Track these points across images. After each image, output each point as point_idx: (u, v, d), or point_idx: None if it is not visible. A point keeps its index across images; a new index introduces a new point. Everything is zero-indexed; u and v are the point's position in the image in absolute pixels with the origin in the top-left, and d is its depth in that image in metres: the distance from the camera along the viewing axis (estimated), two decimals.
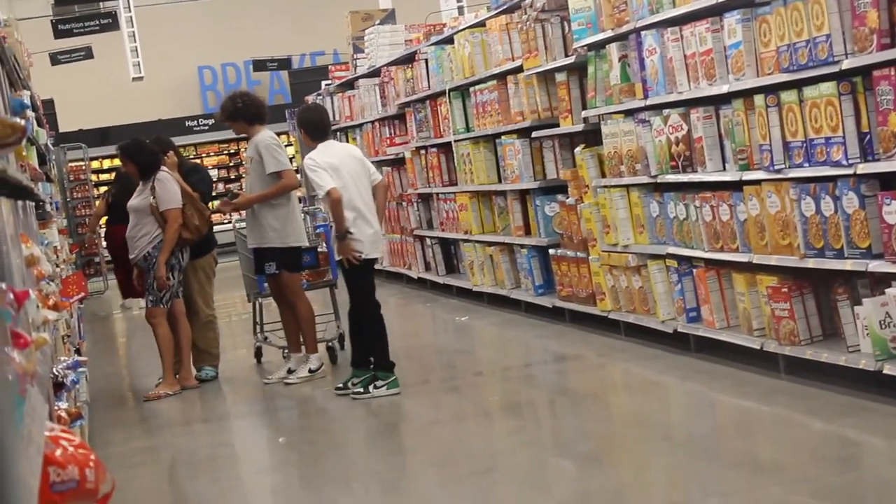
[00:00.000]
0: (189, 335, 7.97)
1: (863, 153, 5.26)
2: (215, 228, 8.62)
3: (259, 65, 21.60)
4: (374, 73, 12.88)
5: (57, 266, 5.94)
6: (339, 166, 6.88)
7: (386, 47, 12.74)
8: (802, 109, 5.53)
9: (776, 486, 4.41)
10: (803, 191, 5.59)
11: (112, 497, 2.10)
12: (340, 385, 7.06)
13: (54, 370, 3.55)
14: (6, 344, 1.70)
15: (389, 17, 14.85)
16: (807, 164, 5.57)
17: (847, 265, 5.38)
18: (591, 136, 7.94)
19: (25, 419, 1.71)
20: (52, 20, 18.26)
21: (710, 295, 6.64)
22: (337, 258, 7.09)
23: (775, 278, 6.00)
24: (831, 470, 4.66)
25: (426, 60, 10.91)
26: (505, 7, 9.08)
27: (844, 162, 5.29)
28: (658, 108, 6.90)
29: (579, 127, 7.99)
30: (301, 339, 7.80)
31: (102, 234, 15.07)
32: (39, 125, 8.65)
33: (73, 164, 18.67)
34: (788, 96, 5.63)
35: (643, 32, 6.89)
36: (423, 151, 11.44)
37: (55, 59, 19.00)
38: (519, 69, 8.78)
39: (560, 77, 8.18)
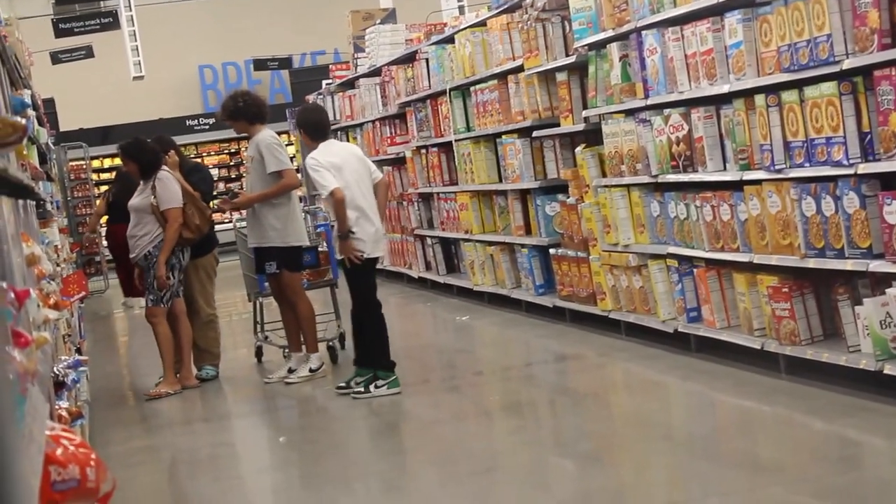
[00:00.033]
0: (190, 334, 7.97)
1: (863, 153, 5.26)
2: (216, 227, 8.62)
3: (260, 64, 21.60)
4: (375, 72, 12.88)
5: (58, 265, 5.94)
6: (341, 166, 6.88)
7: (387, 47, 12.74)
8: (803, 109, 5.53)
9: (777, 486, 4.41)
10: (804, 191, 5.59)
11: (113, 496, 2.10)
12: (343, 384, 7.06)
13: (55, 369, 3.55)
14: (7, 343, 1.70)
15: (390, 16, 14.85)
16: (807, 164, 5.57)
17: (848, 265, 5.38)
18: (592, 135, 7.94)
19: (26, 418, 1.71)
20: (52, 19, 18.26)
21: (710, 295, 6.64)
22: (338, 257, 7.09)
23: (776, 278, 6.00)
24: (832, 470, 4.66)
25: (427, 60, 10.92)
26: (506, 6, 9.08)
27: (845, 162, 5.28)
28: (659, 107, 6.90)
29: (580, 126, 7.99)
30: (302, 339, 7.80)
31: (103, 234, 15.07)
32: (40, 124, 8.65)
33: (73, 163, 18.67)
34: (789, 96, 5.63)
35: (644, 32, 6.89)
36: (423, 151, 11.44)
37: (56, 58, 19.00)
38: (520, 69, 8.78)
39: (561, 77, 8.18)
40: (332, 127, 13.76)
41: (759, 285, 6.18)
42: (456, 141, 10.39)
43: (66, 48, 18.99)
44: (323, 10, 22.19)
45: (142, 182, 7.91)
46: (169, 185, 7.78)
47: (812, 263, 5.64)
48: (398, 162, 12.48)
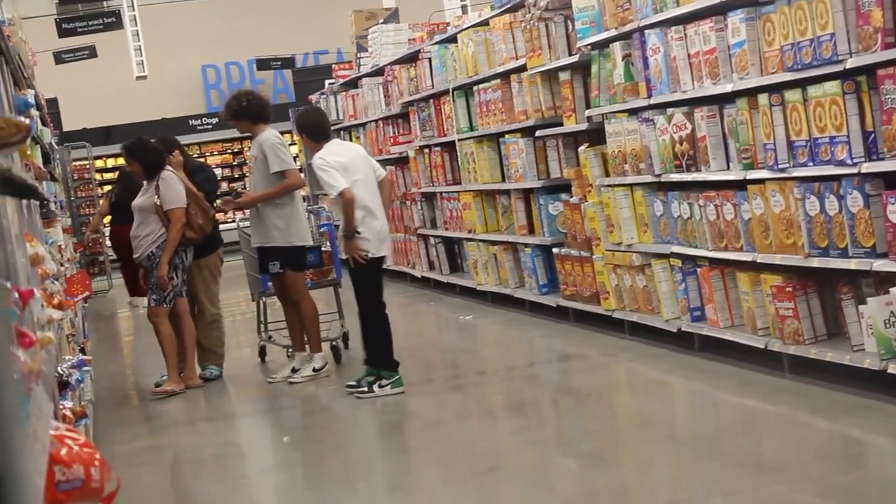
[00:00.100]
0: (193, 334, 7.97)
1: (867, 152, 5.25)
2: (221, 227, 8.62)
3: (263, 64, 21.60)
4: (378, 71, 12.88)
5: (61, 265, 5.94)
6: (348, 165, 6.89)
7: (389, 46, 12.74)
8: (806, 108, 5.53)
9: (780, 486, 4.41)
10: (807, 190, 5.59)
11: (117, 496, 2.10)
12: (353, 383, 7.01)
13: (59, 369, 3.56)
14: (11, 343, 1.70)
15: (393, 15, 14.84)
16: (811, 164, 5.56)
17: (851, 264, 5.38)
18: (595, 135, 7.94)
19: (31, 418, 1.71)
20: (56, 19, 18.26)
21: (714, 294, 6.63)
22: (343, 257, 7.09)
23: (779, 277, 6.00)
24: (836, 469, 4.66)
25: (430, 59, 10.91)
26: (508, 6, 9.08)
27: (849, 161, 5.28)
28: (662, 107, 6.89)
29: (583, 126, 7.99)
30: (305, 339, 7.80)
31: (107, 234, 15.08)
32: (44, 124, 8.65)
33: (77, 162, 18.68)
34: (792, 95, 5.62)
35: (647, 31, 6.88)
36: (426, 150, 11.44)
37: (59, 58, 19.01)
38: (522, 68, 8.78)
39: (564, 76, 8.18)
40: (336, 127, 13.79)
41: (762, 285, 6.18)
42: (459, 140, 10.39)
43: (70, 48, 19.00)
44: (326, 9, 22.19)
45: (145, 182, 7.92)
46: (172, 185, 7.78)
47: (816, 263, 5.64)
48: (401, 161, 12.48)
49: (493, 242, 9.91)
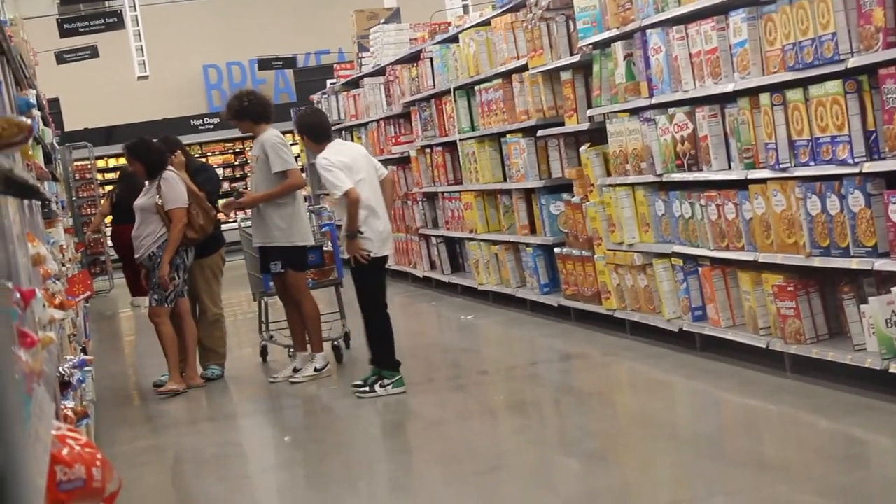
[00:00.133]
0: (194, 334, 7.97)
1: (869, 152, 5.25)
2: (223, 227, 8.62)
3: (264, 64, 21.60)
4: (379, 71, 12.88)
5: (63, 265, 5.94)
6: (352, 165, 6.89)
7: (391, 46, 12.74)
8: (808, 108, 5.53)
9: (782, 485, 4.41)
10: (809, 189, 5.59)
11: (118, 496, 2.10)
12: (359, 382, 6.98)
13: (60, 369, 3.56)
14: (13, 343, 1.70)
15: (394, 15, 14.84)
16: (812, 163, 5.56)
17: (853, 264, 5.38)
18: (597, 134, 7.94)
19: (32, 418, 1.72)
20: (57, 19, 18.27)
21: (715, 294, 6.63)
22: (345, 257, 7.08)
23: (781, 277, 6.00)
24: (837, 469, 4.66)
25: (431, 59, 10.92)
26: (510, 6, 9.08)
27: (850, 160, 5.28)
28: (663, 106, 6.89)
29: (584, 125, 7.99)
30: (306, 338, 7.80)
31: (109, 234, 15.09)
32: (45, 124, 8.65)
33: (78, 162, 18.69)
34: (794, 95, 5.62)
35: (648, 31, 6.88)
36: (428, 150, 11.44)
37: (61, 58, 19.01)
38: (524, 68, 8.78)
39: (565, 76, 8.18)
40: (337, 127, 13.80)
41: (764, 284, 6.18)
42: (460, 140, 10.39)
43: (71, 48, 19.00)
44: (327, 9, 22.19)
45: (147, 182, 7.92)
46: (174, 185, 7.78)
47: (817, 262, 5.63)
48: (402, 161, 12.48)
49: (495, 242, 9.92)
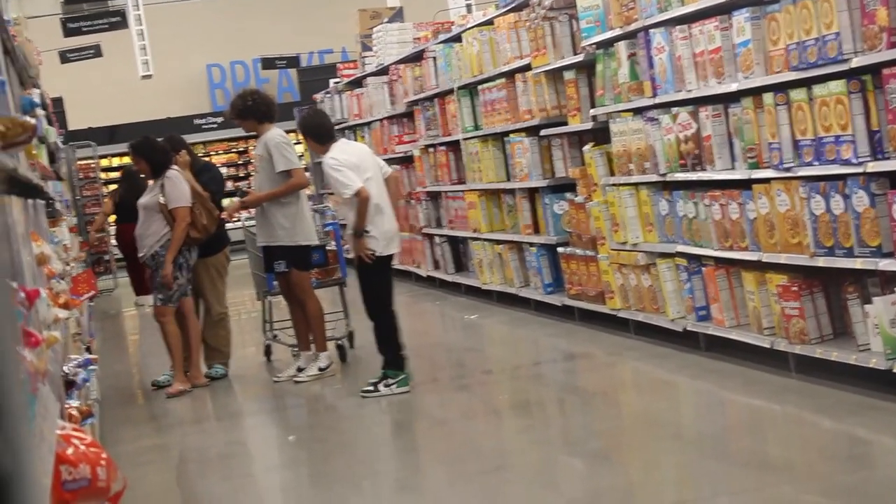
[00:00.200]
0: (198, 333, 7.98)
1: (873, 151, 5.24)
2: (227, 226, 8.63)
3: (268, 63, 21.61)
4: (383, 71, 12.88)
5: (67, 264, 5.95)
6: (359, 164, 6.89)
7: (394, 45, 12.74)
8: (812, 108, 5.52)
9: (786, 485, 4.41)
10: (813, 189, 5.58)
11: (123, 495, 2.11)
12: (369, 388, 6.95)
13: (65, 368, 3.56)
14: (18, 342, 1.70)
15: (397, 15, 14.85)
16: (816, 163, 5.55)
17: (857, 264, 5.37)
18: (600, 134, 7.93)
19: (37, 417, 1.72)
20: (61, 18, 18.28)
21: (719, 293, 6.63)
22: (349, 256, 7.08)
23: (785, 277, 5.99)
24: (841, 468, 4.65)
25: (434, 58, 10.92)
26: (513, 5, 9.08)
27: (854, 160, 5.27)
28: (667, 106, 6.89)
29: (588, 125, 7.99)
30: (311, 338, 7.80)
31: (112, 233, 15.10)
32: (49, 123, 8.65)
33: (82, 162, 18.71)
34: (798, 94, 5.62)
35: (652, 30, 6.88)
36: (431, 149, 11.44)
37: (64, 57, 19.03)
38: (527, 67, 8.78)
39: (568, 75, 8.18)
40: (340, 126, 13.81)
41: (768, 284, 6.17)
42: (464, 139, 10.39)
43: (75, 47, 19.01)
44: (330, 8, 22.18)
45: (151, 181, 7.93)
46: (178, 184, 7.79)
47: (821, 262, 5.63)
48: (406, 161, 12.48)
49: (499, 241, 9.91)
